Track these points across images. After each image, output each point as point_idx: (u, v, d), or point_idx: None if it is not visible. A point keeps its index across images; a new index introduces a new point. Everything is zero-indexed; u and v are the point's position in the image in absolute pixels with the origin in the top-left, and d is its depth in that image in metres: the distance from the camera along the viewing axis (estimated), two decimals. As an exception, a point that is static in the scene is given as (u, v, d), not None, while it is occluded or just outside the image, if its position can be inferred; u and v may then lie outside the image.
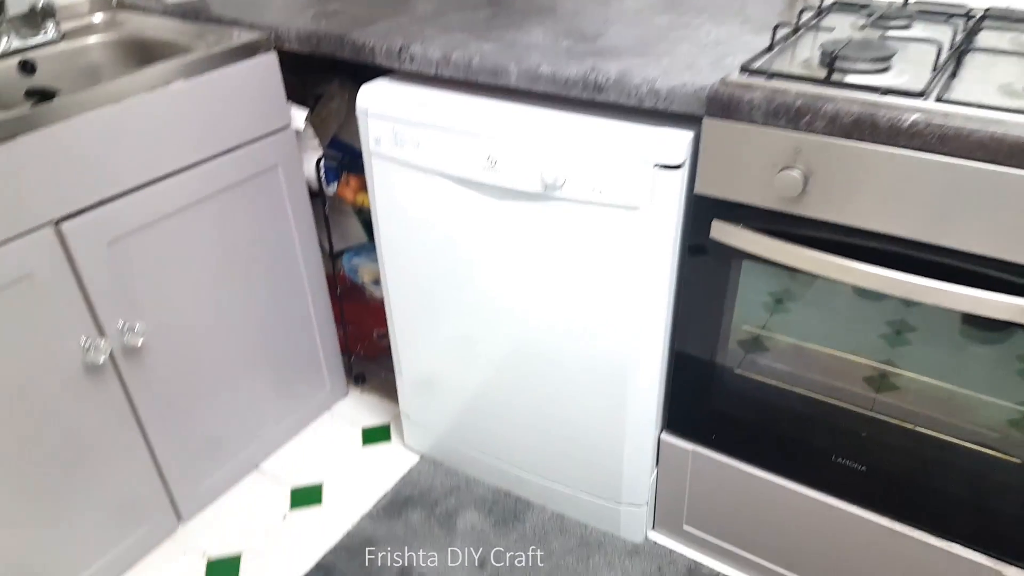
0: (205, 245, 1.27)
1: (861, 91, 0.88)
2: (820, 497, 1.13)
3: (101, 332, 1.15)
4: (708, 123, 0.95)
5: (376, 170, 1.22)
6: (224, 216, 1.29)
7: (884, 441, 1.05)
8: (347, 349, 1.69)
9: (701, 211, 1.02)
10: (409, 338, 1.39)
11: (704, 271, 1.07)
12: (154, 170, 1.16)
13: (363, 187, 1.42)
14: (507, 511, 1.41)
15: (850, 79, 0.91)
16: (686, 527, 1.32)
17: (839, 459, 1.09)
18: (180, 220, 1.22)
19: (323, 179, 1.42)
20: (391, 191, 1.23)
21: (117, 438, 1.22)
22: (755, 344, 1.13)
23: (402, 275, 1.32)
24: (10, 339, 1.05)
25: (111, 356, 1.17)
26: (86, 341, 1.13)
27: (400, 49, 1.15)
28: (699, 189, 1.00)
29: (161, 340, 1.25)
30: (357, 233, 1.55)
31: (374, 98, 1.17)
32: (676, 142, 0.98)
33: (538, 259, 1.14)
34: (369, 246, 1.57)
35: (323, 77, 1.47)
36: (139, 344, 1.19)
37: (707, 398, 1.17)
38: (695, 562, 1.31)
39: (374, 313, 1.64)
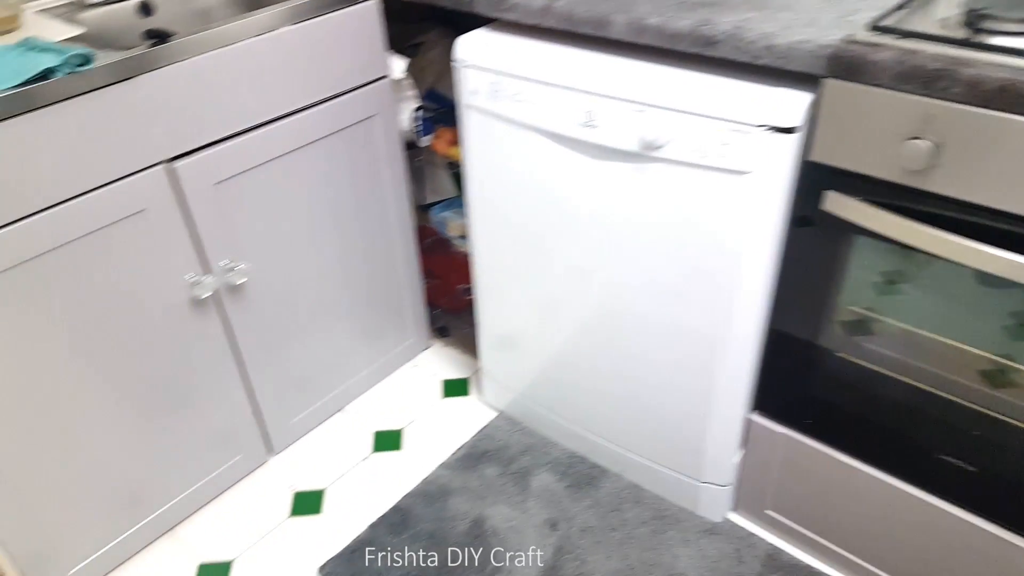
0: (302, 191, 1.32)
1: (1008, 55, 0.80)
2: (920, 495, 1.07)
3: (206, 269, 1.23)
4: (829, 84, 0.89)
5: (470, 123, 1.22)
6: (321, 164, 1.33)
7: (999, 441, 0.98)
8: (431, 302, 1.73)
9: (814, 180, 0.96)
10: (493, 295, 1.40)
11: (811, 245, 1.01)
12: (260, 115, 1.21)
13: (456, 140, 1.43)
14: (582, 476, 1.42)
15: (996, 41, 0.83)
16: (769, 511, 1.28)
17: (946, 457, 1.03)
18: (280, 165, 1.27)
19: (418, 130, 1.43)
20: (484, 145, 1.23)
21: (218, 370, 1.31)
22: (860, 326, 1.07)
23: (490, 231, 1.32)
24: (124, 271, 1.13)
25: (215, 293, 1.25)
26: (192, 277, 1.20)
27: (503, -3, 1.13)
28: (813, 156, 0.94)
29: (260, 280, 1.32)
30: (447, 187, 1.57)
31: (472, 48, 1.16)
32: (792, 104, 0.92)
33: (632, 222, 1.11)
34: (458, 200, 1.59)
35: (422, 26, 1.47)
36: (240, 283, 1.26)
37: (804, 380, 1.12)
38: (775, 547, 1.28)
39: (459, 268, 1.66)
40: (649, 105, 1.01)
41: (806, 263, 1.03)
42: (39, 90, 0.96)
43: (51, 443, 1.13)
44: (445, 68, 1.45)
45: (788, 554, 1.27)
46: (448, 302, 1.77)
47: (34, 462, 1.12)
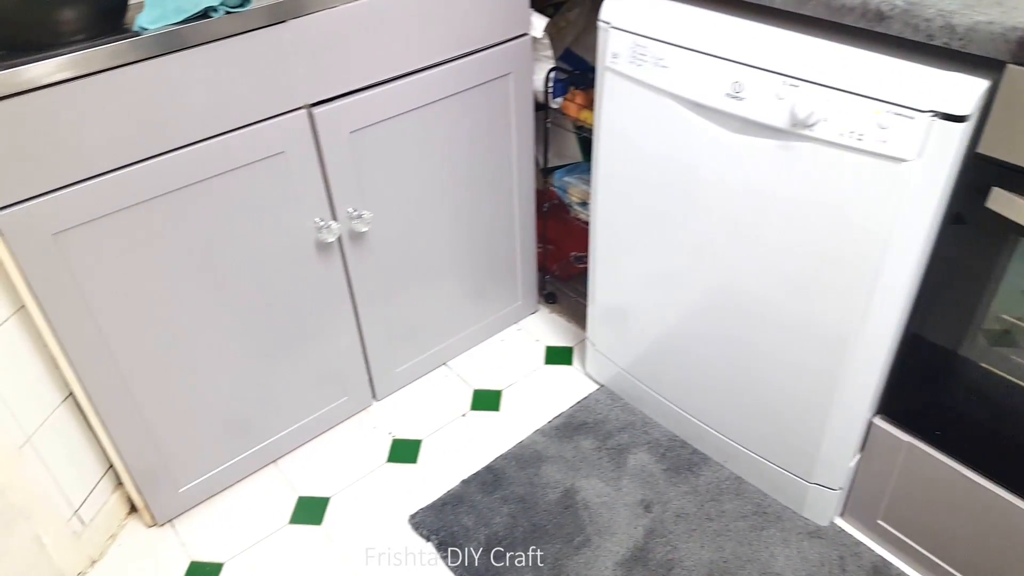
0: (430, 145, 1.36)
1: None
2: (1057, 526, 1.01)
3: (334, 215, 1.29)
4: (1013, 71, 0.83)
5: (607, 87, 1.21)
6: (452, 119, 1.36)
7: None
8: (542, 266, 1.74)
9: (980, 175, 0.91)
10: (609, 265, 1.40)
11: (967, 244, 0.96)
12: (399, 67, 1.25)
13: (588, 104, 1.42)
14: (681, 460, 1.42)
15: None
16: (880, 521, 1.24)
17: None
18: (413, 118, 1.30)
19: (550, 91, 1.43)
20: (619, 111, 1.22)
21: (334, 313, 1.38)
22: (1008, 337, 1.01)
23: (614, 199, 1.32)
24: (258, 210, 1.20)
25: (339, 238, 1.31)
26: (320, 221, 1.26)
27: (656, -42, 1.11)
28: (982, 148, 0.89)
29: (381, 229, 1.37)
30: (572, 151, 1.57)
31: (619, 10, 1.15)
32: (966, 90, 0.86)
33: (769, 203, 1.08)
34: (583, 166, 1.59)
35: (565, -16, 1.46)
36: (364, 231, 1.32)
37: (938, 389, 1.07)
38: (883, 559, 1.24)
39: (574, 234, 1.66)
40: (804, 80, 0.97)
41: (958, 264, 0.98)
42: (197, 28, 1.02)
43: (175, 368, 1.23)
44: (584, 29, 1.44)
45: (897, 568, 1.22)
46: (559, 268, 1.79)
47: (158, 384, 1.22)
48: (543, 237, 1.69)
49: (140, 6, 1.06)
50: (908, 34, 0.90)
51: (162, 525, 1.37)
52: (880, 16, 0.92)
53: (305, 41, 1.13)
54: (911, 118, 0.90)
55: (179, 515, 1.38)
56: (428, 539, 1.31)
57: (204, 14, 1.04)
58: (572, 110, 1.44)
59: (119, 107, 1.01)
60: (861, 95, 0.93)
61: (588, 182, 1.57)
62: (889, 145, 0.92)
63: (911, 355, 1.08)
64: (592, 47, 1.48)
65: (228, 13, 1.05)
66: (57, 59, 0.93)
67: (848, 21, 0.95)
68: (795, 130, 1.00)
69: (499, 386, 1.61)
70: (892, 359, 1.11)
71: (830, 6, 0.96)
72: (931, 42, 0.88)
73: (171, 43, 1.01)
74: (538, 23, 1.34)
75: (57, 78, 0.94)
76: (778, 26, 1.03)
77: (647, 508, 1.34)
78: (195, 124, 1.08)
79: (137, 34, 0.99)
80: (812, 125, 0.98)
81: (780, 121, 1.01)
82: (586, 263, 1.73)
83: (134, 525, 1.37)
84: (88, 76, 0.97)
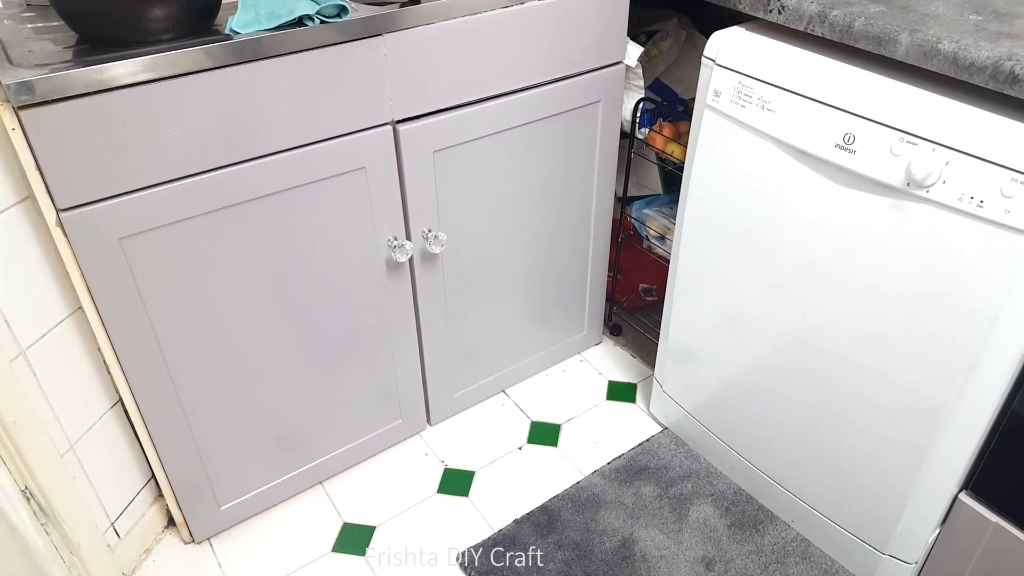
0: (511, 168, 1.38)
1: None
2: None
3: (408, 235, 1.31)
4: None
5: (705, 125, 1.23)
6: (537, 144, 1.38)
7: None
8: (611, 298, 1.76)
9: (1109, 254, 0.91)
10: (687, 304, 1.41)
11: (1087, 325, 0.95)
12: (490, 88, 1.27)
13: (675, 136, 1.44)
14: (747, 516, 1.42)
15: None
16: (959, 602, 1.24)
17: None
18: (497, 141, 1.33)
19: (638, 122, 1.45)
20: (715, 150, 1.23)
21: (397, 333, 1.41)
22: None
23: (699, 238, 1.33)
24: (333, 224, 1.23)
25: (410, 258, 1.34)
26: (394, 240, 1.29)
27: (771, -3, 1.12)
28: (1115, 227, 0.89)
29: (454, 251, 1.40)
30: (653, 183, 1.59)
31: (726, 46, 1.16)
32: (1103, 165, 0.87)
33: (870, 262, 1.08)
34: (663, 198, 1.60)
35: (659, 13, 1.48)
36: (438, 252, 1.34)
37: (1039, 470, 1.07)
38: (960, 644, 1.23)
39: (647, 267, 1.68)
40: (923, 138, 0.98)
41: (1074, 343, 0.98)
42: (290, 36, 1.04)
43: (228, 380, 1.25)
44: (677, 60, 1.46)
45: (975, 655, 1.22)
46: (627, 300, 1.80)
47: (209, 396, 1.25)
48: (614, 267, 1.70)
49: (233, 7, 1.08)
50: (1042, 100, 0.91)
51: (200, 543, 1.40)
52: (1014, 79, 0.92)
53: (399, 56, 1.16)
54: (1040, 189, 0.90)
55: (218, 534, 1.41)
56: (476, 578, 1.33)
57: (299, 22, 1.07)
58: (658, 142, 1.46)
59: (202, 112, 1.03)
60: (986, 160, 0.93)
61: (667, 215, 1.59)
62: (1012, 215, 0.92)
63: (1010, 433, 1.08)
64: (683, 79, 1.50)
65: (323, 23, 1.08)
66: (142, 59, 0.95)
67: (976, 81, 0.95)
68: (909, 189, 1.01)
69: (558, 420, 1.62)
70: (987, 434, 1.11)
71: (957, 63, 0.96)
72: (1066, 110, 0.89)
73: (261, 50, 1.03)
74: (633, 52, 1.36)
75: (140, 79, 0.96)
76: (896, 79, 1.03)
77: (708, 566, 1.34)
78: (278, 134, 1.11)
79: (228, 37, 1.02)
80: (929, 186, 0.98)
81: (894, 179, 1.02)
82: (655, 296, 1.75)
83: (170, 541, 1.40)
84: (172, 78, 0.98)
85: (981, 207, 0.95)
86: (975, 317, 1.00)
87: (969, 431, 1.09)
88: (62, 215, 0.99)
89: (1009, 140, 0.92)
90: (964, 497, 1.17)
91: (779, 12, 1.12)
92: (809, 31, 1.10)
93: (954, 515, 1.19)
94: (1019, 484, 1.09)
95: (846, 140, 1.05)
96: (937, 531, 1.22)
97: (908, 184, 1.00)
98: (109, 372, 1.22)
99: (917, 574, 1.28)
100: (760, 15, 1.14)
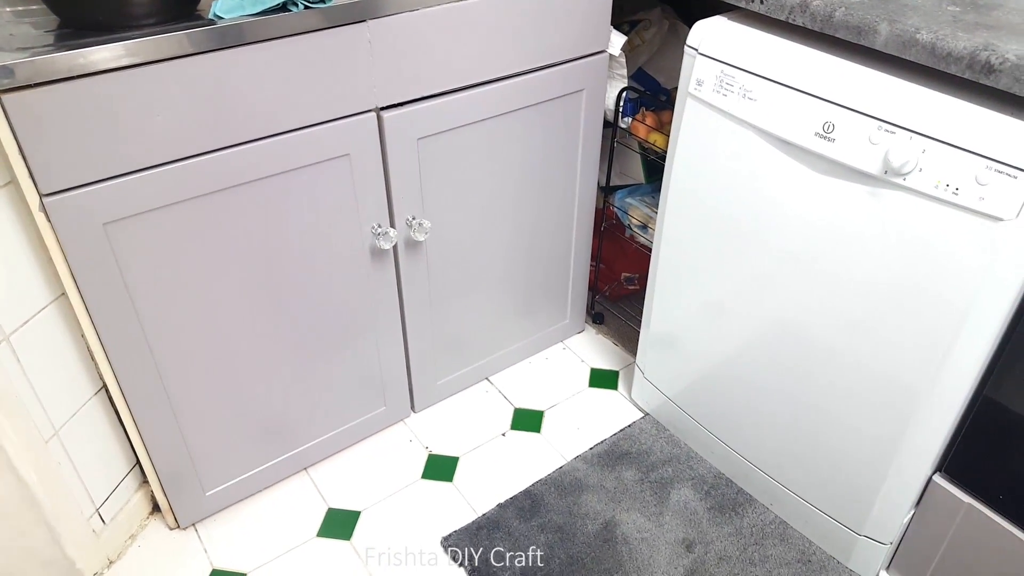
0: (496, 156, 1.38)
1: None
2: None
3: (392, 222, 1.31)
4: None
5: (688, 114, 1.24)
6: (519, 132, 1.39)
7: None
8: (593, 286, 1.77)
9: (1079, 240, 0.93)
10: (668, 292, 1.43)
11: (1058, 309, 0.98)
12: (474, 76, 1.27)
13: (658, 126, 1.45)
14: (726, 500, 1.44)
15: None
16: (932, 581, 1.26)
17: None
18: (481, 129, 1.33)
19: (620, 111, 1.46)
20: (697, 138, 1.24)
21: (382, 321, 1.41)
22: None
23: (681, 226, 1.34)
24: (316, 211, 1.22)
25: (394, 246, 1.34)
26: (378, 227, 1.29)
27: (752, -13, 1.13)
28: (1085, 214, 0.91)
29: (438, 239, 1.40)
30: (636, 172, 1.59)
31: (708, 36, 1.17)
32: (1075, 153, 0.88)
33: (848, 248, 1.10)
34: (645, 187, 1.61)
35: (643, 3, 1.49)
36: (422, 240, 1.34)
37: (1007, 453, 1.09)
38: (933, 622, 1.26)
39: (629, 256, 1.69)
40: (901, 127, 0.99)
41: (1045, 327, 1.00)
42: (273, 22, 1.04)
43: (213, 366, 1.25)
44: (660, 49, 1.47)
45: (947, 632, 1.25)
46: (609, 289, 1.81)
47: (194, 382, 1.24)
48: (596, 256, 1.71)
49: (217, -8, 1.07)
50: (1016, 90, 0.92)
51: (185, 529, 1.39)
52: (989, 68, 0.93)
53: (383, 42, 1.15)
54: (1013, 177, 0.92)
55: (203, 519, 1.40)
56: (460, 564, 1.34)
57: (283, 7, 1.06)
58: (641, 131, 1.46)
59: (185, 97, 1.02)
60: (962, 148, 0.95)
61: (649, 204, 1.59)
62: (987, 202, 0.94)
63: (982, 417, 1.10)
64: (665, 68, 1.50)
65: (307, 8, 1.07)
66: (124, 43, 0.94)
67: (953, 71, 0.96)
68: (887, 177, 1.02)
69: (541, 406, 1.63)
70: (960, 418, 1.13)
71: (935, 53, 0.97)
72: (1040, 100, 0.90)
73: (245, 35, 1.02)
74: (616, 41, 1.36)
75: (123, 63, 0.95)
76: (875, 68, 1.05)
77: (689, 548, 1.36)
78: (262, 120, 1.10)
79: (212, 22, 1.01)
80: (906, 174, 1.00)
81: (872, 167, 1.03)
82: (636, 285, 1.76)
83: (156, 527, 1.39)
84: (155, 63, 0.98)
85: (956, 194, 0.96)
86: (950, 303, 1.02)
87: (943, 416, 1.11)
88: (45, 200, 0.98)
89: (984, 129, 0.93)
90: (938, 479, 1.19)
91: (761, 2, 1.12)
92: (790, 21, 1.10)
93: (928, 496, 1.21)
94: (990, 466, 1.12)
95: (825, 128, 1.06)
96: (912, 512, 1.25)
97: (886, 172, 1.02)
98: (93, 358, 1.21)
99: (892, 554, 1.31)
100: (742, 5, 1.15)
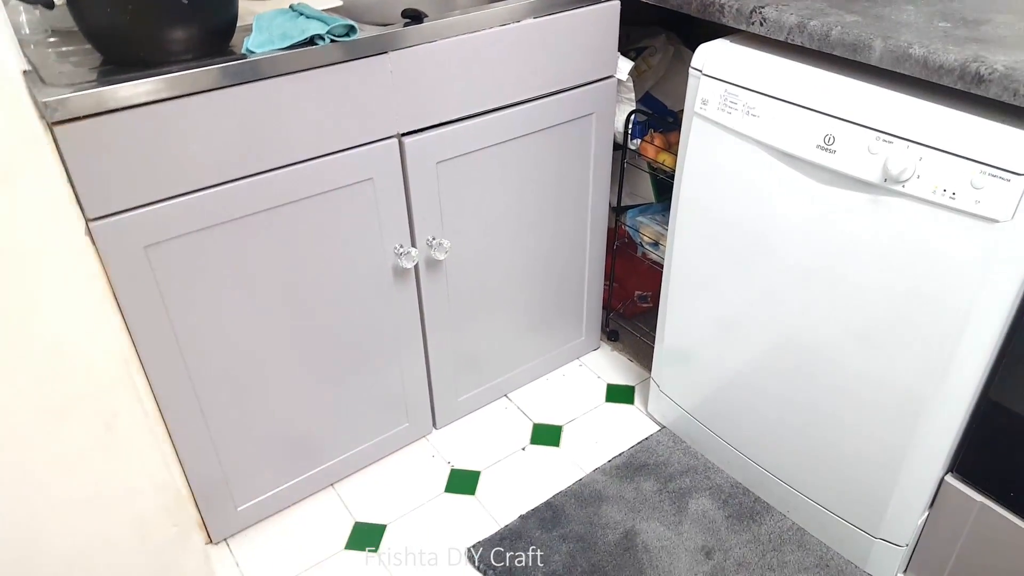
0: (511, 178, 1.43)
1: None
2: None
3: (413, 242, 1.36)
4: (1113, 140, 0.89)
5: (695, 133, 1.28)
6: (534, 154, 1.44)
7: None
8: (607, 304, 1.80)
9: (1074, 238, 0.96)
10: (681, 307, 1.46)
11: (1057, 307, 1.00)
12: (490, 102, 1.33)
13: (666, 146, 1.50)
14: (744, 508, 1.45)
15: None
16: (949, 582, 1.27)
17: None
18: (497, 152, 1.38)
19: (629, 133, 1.51)
20: (705, 156, 1.28)
21: (404, 339, 1.45)
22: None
23: (692, 242, 1.38)
24: (342, 233, 1.27)
25: (416, 265, 1.38)
26: (400, 247, 1.34)
27: (752, 10, 1.18)
28: (1078, 213, 0.94)
29: (457, 258, 1.44)
30: (646, 191, 1.64)
31: (711, 58, 1.22)
32: (1065, 156, 0.92)
33: (853, 256, 1.13)
34: (655, 207, 1.65)
35: (648, 30, 1.55)
36: (441, 259, 1.39)
37: (1017, 451, 1.11)
38: (952, 622, 1.26)
39: (642, 274, 1.73)
40: (898, 137, 1.03)
41: (1046, 326, 1.02)
42: (302, 55, 1.10)
43: (245, 384, 1.29)
44: (665, 74, 1.52)
45: (966, 633, 1.25)
46: (623, 306, 1.85)
47: (227, 400, 1.28)
48: (610, 275, 1.75)
49: (248, 29, 1.13)
50: (1006, 98, 0.96)
51: (217, 543, 1.42)
52: (979, 79, 0.98)
53: (404, 73, 1.21)
54: (1006, 180, 0.95)
55: (235, 534, 1.43)
56: (485, 573, 1.35)
57: (310, 41, 1.11)
58: (650, 152, 1.51)
59: (221, 126, 1.08)
60: (957, 155, 0.99)
61: (660, 222, 1.63)
62: (983, 205, 0.98)
63: (990, 416, 1.12)
64: (671, 92, 1.56)
65: (333, 41, 1.13)
66: (164, 78, 1.00)
67: (946, 82, 1.01)
68: (886, 185, 1.06)
69: (559, 421, 1.66)
70: (969, 418, 1.15)
71: (928, 66, 1.02)
72: (1029, 107, 0.94)
73: (276, 68, 1.08)
74: (623, 66, 1.42)
75: (163, 96, 1.01)
76: (872, 82, 1.09)
77: (708, 555, 1.37)
78: (291, 147, 1.15)
79: (244, 57, 1.07)
80: (905, 181, 1.04)
81: (872, 176, 1.07)
82: (650, 302, 1.80)
83: (190, 540, 1.43)
84: (192, 95, 1.04)
85: (953, 199, 1.00)
86: (951, 307, 1.05)
87: (950, 418, 1.13)
88: (91, 224, 1.04)
89: (977, 136, 0.97)
90: (950, 479, 1.21)
91: (761, 24, 1.18)
92: (789, 41, 1.16)
93: (941, 497, 1.23)
94: (1000, 464, 1.14)
95: (826, 141, 1.10)
96: (926, 513, 1.26)
97: (885, 180, 1.06)
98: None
99: (909, 556, 1.31)
100: (743, 27, 1.20)
